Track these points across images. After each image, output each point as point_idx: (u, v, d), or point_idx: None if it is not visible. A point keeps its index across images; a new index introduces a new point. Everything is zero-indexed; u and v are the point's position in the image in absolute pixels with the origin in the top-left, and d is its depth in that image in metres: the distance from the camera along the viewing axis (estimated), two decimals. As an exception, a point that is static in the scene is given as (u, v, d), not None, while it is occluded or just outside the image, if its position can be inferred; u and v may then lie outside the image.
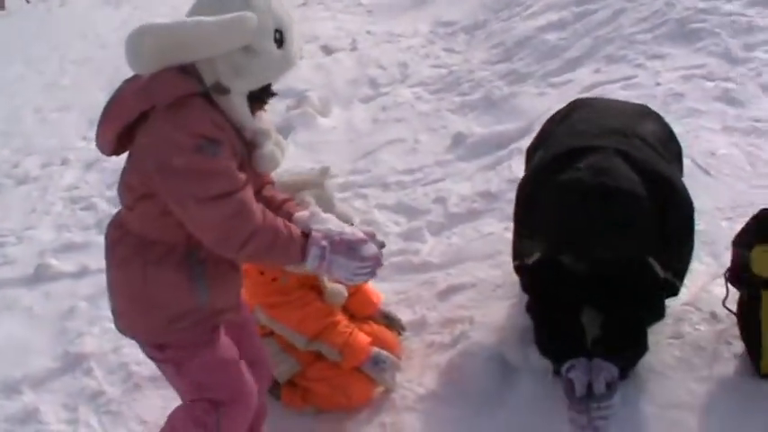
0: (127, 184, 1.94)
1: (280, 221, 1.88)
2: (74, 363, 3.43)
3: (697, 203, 2.45)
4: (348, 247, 1.91)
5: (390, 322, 2.91)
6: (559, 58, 4.74)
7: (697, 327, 2.58)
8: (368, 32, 6.94)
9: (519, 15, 5.57)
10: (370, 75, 5.81)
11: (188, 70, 1.81)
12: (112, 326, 3.22)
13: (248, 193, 1.84)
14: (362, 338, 2.66)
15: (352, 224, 2.17)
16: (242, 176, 1.83)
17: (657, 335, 2.54)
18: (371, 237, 1.97)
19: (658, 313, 2.51)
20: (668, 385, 2.43)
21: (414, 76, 5.49)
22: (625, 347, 2.44)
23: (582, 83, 4.36)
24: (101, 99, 2.29)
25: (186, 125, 1.77)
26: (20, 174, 6.08)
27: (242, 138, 1.89)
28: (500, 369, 2.63)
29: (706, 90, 3.87)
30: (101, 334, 3.56)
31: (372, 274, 1.97)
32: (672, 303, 2.55)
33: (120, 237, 2.00)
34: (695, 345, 2.54)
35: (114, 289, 2.05)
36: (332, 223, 1.98)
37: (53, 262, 4.32)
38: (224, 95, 1.83)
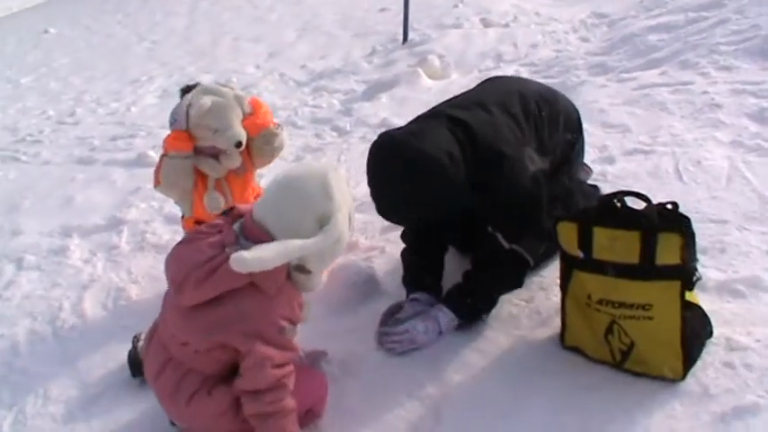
0: (213, 339, 2.14)
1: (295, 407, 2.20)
2: (115, 224, 4.18)
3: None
4: None
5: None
6: (646, 58, 4.74)
7: (550, 297, 2.73)
8: (536, 14, 7.08)
9: (652, 13, 5.52)
10: (500, 50, 6.04)
11: None
12: (156, 204, 4.01)
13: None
14: None
15: (240, 144, 2.90)
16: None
17: (513, 295, 2.76)
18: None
19: (511, 282, 2.68)
20: (488, 335, 2.66)
21: (530, 57, 5.66)
22: (466, 302, 2.66)
23: (640, 81, 4.40)
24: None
25: (277, 311, 2.11)
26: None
27: None
28: (370, 288, 2.97)
29: (743, 105, 3.79)
30: (145, 209, 4.26)
31: None
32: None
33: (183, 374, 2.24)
34: (535, 310, 2.71)
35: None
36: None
37: (151, 154, 5.13)
38: (305, 275, 2.16)
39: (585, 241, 2.30)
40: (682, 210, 2.77)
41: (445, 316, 2.61)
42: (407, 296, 2.76)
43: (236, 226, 2.17)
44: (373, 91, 5.64)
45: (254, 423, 2.17)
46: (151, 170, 4.73)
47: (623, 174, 3.44)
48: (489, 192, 2.49)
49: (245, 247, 2.02)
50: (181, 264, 2.14)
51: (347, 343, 2.74)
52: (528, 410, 2.28)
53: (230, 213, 2.24)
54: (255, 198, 3.20)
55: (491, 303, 2.66)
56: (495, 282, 2.65)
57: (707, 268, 2.71)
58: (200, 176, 3.15)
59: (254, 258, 1.95)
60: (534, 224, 2.55)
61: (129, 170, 5.02)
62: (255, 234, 2.11)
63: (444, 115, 2.53)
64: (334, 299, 2.95)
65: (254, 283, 2.05)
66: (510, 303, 2.75)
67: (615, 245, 2.24)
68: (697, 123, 3.75)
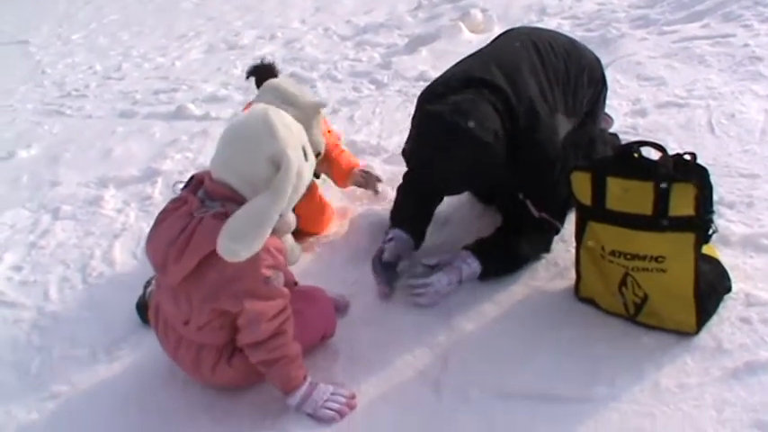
0: (208, 310, 2.17)
1: (299, 351, 2.22)
2: (150, 175, 4.26)
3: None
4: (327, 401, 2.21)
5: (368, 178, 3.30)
6: (689, 11, 4.59)
7: (569, 249, 2.69)
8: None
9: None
10: (545, 3, 5.89)
11: (242, 201, 2.06)
12: (191, 155, 4.07)
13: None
14: None
15: (319, 154, 2.73)
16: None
17: None
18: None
19: (539, 247, 2.69)
20: (504, 284, 2.65)
21: (575, 9, 5.52)
22: (495, 256, 2.65)
23: (681, 34, 4.28)
24: None
25: (257, 263, 2.06)
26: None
27: None
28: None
29: (786, 58, 3.66)
30: (180, 160, 4.33)
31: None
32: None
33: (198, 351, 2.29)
34: (552, 261, 2.68)
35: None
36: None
37: (191, 107, 5.19)
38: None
39: (599, 191, 2.27)
40: (710, 163, 2.75)
41: (468, 267, 2.60)
42: (387, 231, 2.77)
43: (199, 193, 2.17)
44: (414, 45, 5.59)
45: (261, 369, 2.22)
46: (190, 123, 4.86)
47: (654, 127, 3.37)
48: (521, 161, 2.47)
49: (212, 208, 2.08)
50: (157, 245, 2.16)
51: (362, 290, 2.77)
52: (536, 360, 2.27)
53: (190, 184, 2.24)
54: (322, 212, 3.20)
55: (517, 265, 2.66)
56: (524, 246, 2.64)
57: (733, 222, 2.66)
58: None
59: (242, 247, 1.97)
60: (562, 191, 2.50)
61: (168, 123, 5.09)
62: (218, 193, 2.11)
63: (482, 83, 2.48)
64: (351, 246, 3.00)
65: None
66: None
67: (628, 195, 2.20)
68: (735, 76, 3.64)
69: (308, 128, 2.62)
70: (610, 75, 3.71)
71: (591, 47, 4.37)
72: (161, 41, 8.11)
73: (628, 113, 3.53)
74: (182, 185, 2.34)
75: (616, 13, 5.02)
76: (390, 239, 2.70)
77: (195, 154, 4.25)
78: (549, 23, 5.31)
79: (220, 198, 2.11)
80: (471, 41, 5.41)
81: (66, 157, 4.84)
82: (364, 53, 5.80)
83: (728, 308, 2.30)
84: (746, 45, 3.89)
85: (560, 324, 2.39)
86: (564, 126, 2.53)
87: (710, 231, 2.21)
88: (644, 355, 2.21)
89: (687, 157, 2.23)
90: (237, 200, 2.08)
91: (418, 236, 2.76)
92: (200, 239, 2.07)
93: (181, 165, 4.26)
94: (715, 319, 2.27)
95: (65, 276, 3.37)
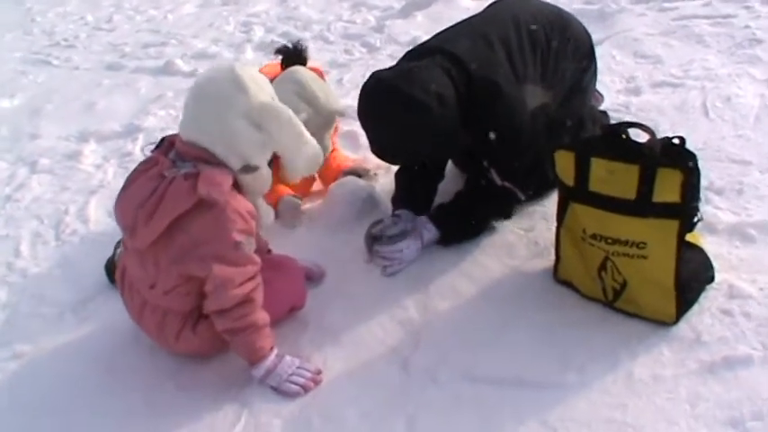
0: (175, 275, 2.12)
1: (267, 320, 2.16)
2: (132, 131, 4.19)
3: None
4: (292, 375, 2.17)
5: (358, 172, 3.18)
6: (694, -14, 4.48)
7: (551, 228, 2.60)
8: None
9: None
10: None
11: (215, 161, 2.05)
12: (174, 112, 3.98)
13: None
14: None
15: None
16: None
17: (513, 223, 2.70)
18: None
19: (498, 215, 2.66)
20: (482, 261, 2.59)
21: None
22: (452, 221, 2.63)
23: (681, 12, 4.18)
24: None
25: (228, 227, 2.02)
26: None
27: None
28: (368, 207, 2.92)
29: (786, 41, 3.56)
30: (163, 117, 4.28)
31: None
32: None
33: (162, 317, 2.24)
34: (533, 240, 2.62)
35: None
36: None
37: (178, 62, 5.08)
38: (252, 173, 2.13)
39: (582, 172, 2.19)
40: (702, 147, 2.67)
41: (428, 233, 2.59)
42: (392, 214, 2.71)
43: (171, 154, 2.12)
44: (410, 8, 5.47)
45: (226, 338, 2.16)
46: (177, 79, 4.75)
47: (647, 106, 3.29)
48: (485, 129, 2.40)
49: (185, 168, 2.03)
50: (126, 207, 2.11)
51: (339, 261, 2.71)
52: (508, 343, 2.22)
53: (161, 145, 2.19)
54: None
55: (475, 230, 2.63)
56: (483, 212, 2.61)
57: (720, 209, 2.60)
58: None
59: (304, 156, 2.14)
60: (529, 161, 2.49)
61: (155, 78, 4.98)
62: (190, 153, 2.07)
63: (439, 51, 2.43)
64: (332, 216, 2.92)
65: (201, 203, 1.99)
66: (509, 231, 2.67)
67: (613, 177, 2.12)
68: (733, 58, 3.56)
69: (321, 132, 2.59)
70: (605, 50, 3.68)
71: (587, 20, 4.29)
72: (155, -8, 7.89)
73: (621, 91, 3.45)
74: (152, 147, 2.25)
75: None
76: (395, 215, 2.68)
77: (179, 111, 4.13)
78: (549, -4, 5.18)
79: (192, 159, 2.06)
80: (469, 8, 5.25)
81: (49, 108, 4.73)
82: (359, 15, 5.69)
83: (710, 298, 2.24)
84: (747, 27, 3.80)
85: (536, 306, 2.34)
86: (536, 96, 2.47)
87: (696, 219, 2.13)
88: (619, 343, 2.15)
89: (676, 140, 2.13)
90: (209, 159, 2.05)
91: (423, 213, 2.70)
92: (171, 201, 2.02)
93: (164, 121, 4.18)
94: (695, 309, 2.21)
95: (37, 232, 3.30)
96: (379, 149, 2.42)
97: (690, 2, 4.31)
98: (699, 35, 3.85)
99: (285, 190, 3.00)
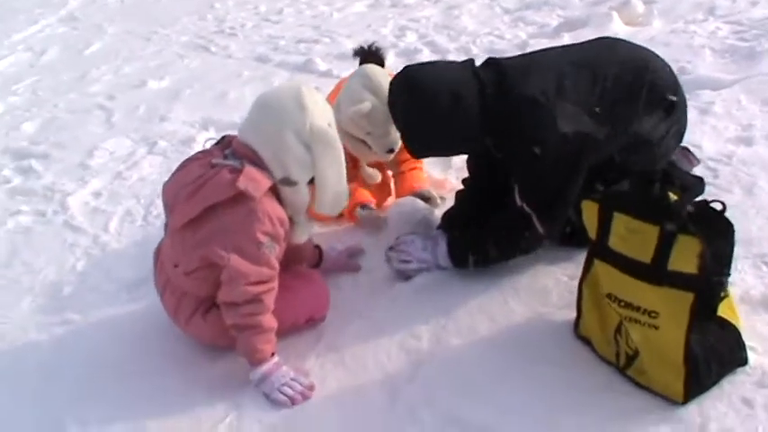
0: (198, 257, 2.22)
1: (273, 326, 2.24)
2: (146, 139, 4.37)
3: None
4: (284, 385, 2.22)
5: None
6: None
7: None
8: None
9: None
10: (717, 3, 5.41)
11: (261, 165, 2.18)
12: (192, 118, 4.26)
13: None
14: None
15: (392, 150, 2.82)
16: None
17: (559, 268, 2.59)
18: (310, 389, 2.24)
19: (509, 242, 2.52)
20: (509, 303, 2.49)
21: (743, 14, 4.97)
22: (460, 234, 2.61)
23: None
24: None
25: (256, 224, 2.13)
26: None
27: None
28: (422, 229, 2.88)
29: None
30: (178, 126, 4.48)
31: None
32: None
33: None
34: (570, 288, 2.47)
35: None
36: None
37: (317, 61, 5.22)
38: (291, 187, 2.24)
39: (604, 226, 2.05)
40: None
41: (443, 245, 2.59)
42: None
43: (227, 150, 2.27)
44: (562, 28, 5.32)
45: (232, 333, 2.24)
46: (310, 77, 4.89)
47: (752, 159, 3.01)
48: (509, 139, 2.34)
49: (234, 162, 2.19)
50: (173, 186, 2.28)
51: (372, 280, 2.73)
52: (505, 394, 2.12)
53: (221, 142, 2.35)
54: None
55: (484, 257, 2.53)
56: (495, 236, 2.51)
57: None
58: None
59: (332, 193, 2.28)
60: (553, 188, 2.36)
61: (291, 74, 5.14)
62: (241, 152, 2.21)
63: (488, 59, 2.47)
64: (383, 232, 2.92)
65: (237, 197, 2.11)
66: (550, 275, 2.54)
67: (632, 237, 1.98)
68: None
69: (387, 125, 2.63)
70: (732, 93, 3.45)
71: (732, 58, 4.06)
72: (331, -13, 8.11)
73: (731, 139, 3.17)
74: (213, 142, 2.42)
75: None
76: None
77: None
78: (707, 26, 4.86)
79: (241, 156, 2.19)
80: (618, 33, 5.03)
81: (187, 93, 5.01)
82: (514, 30, 5.58)
83: (736, 383, 2.03)
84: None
85: (547, 360, 2.21)
86: (577, 121, 2.32)
87: (721, 295, 1.93)
88: (616, 416, 2.00)
89: (718, 205, 1.95)
90: (256, 161, 2.18)
91: None
92: (212, 188, 2.16)
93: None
94: (715, 392, 2.00)
95: (130, 210, 3.52)
96: (403, 137, 2.51)
97: None
98: None
99: (364, 197, 3.05)
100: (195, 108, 4.69)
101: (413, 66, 2.47)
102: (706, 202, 1.98)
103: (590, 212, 2.09)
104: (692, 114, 3.29)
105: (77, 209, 3.59)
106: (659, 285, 1.93)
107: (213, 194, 2.13)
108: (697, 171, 2.87)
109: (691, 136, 3.15)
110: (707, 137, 3.24)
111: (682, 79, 3.81)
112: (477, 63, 2.48)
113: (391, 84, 2.45)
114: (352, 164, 3.04)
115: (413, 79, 2.37)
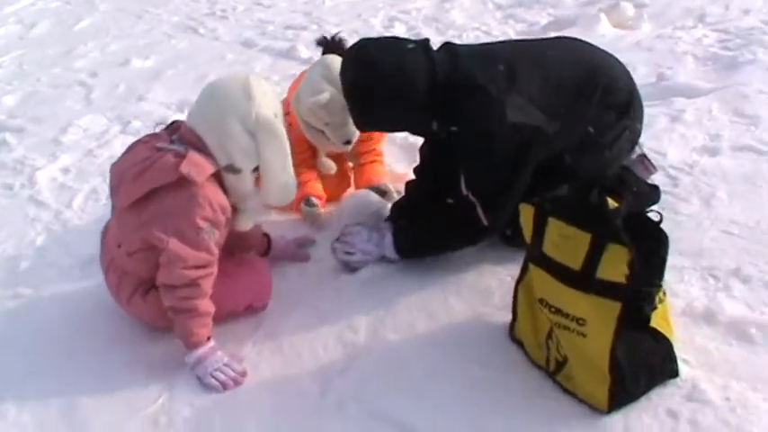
0: (139, 239, 2.25)
1: (210, 310, 2.26)
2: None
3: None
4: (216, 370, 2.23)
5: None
6: None
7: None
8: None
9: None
10: (708, 10, 5.31)
11: (205, 151, 2.20)
12: (170, 99, 4.27)
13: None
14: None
15: (349, 142, 2.87)
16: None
17: (504, 268, 2.57)
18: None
19: (455, 232, 2.53)
20: (450, 302, 2.49)
21: (732, 23, 4.88)
22: (407, 222, 2.63)
23: None
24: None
25: (196, 209, 2.16)
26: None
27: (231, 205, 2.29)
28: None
29: None
30: (155, 106, 4.48)
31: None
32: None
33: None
34: (511, 290, 2.45)
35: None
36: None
37: (301, 48, 5.20)
38: (236, 174, 2.27)
39: (539, 231, 2.04)
40: (753, 227, 2.61)
41: (388, 232, 2.59)
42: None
43: (174, 135, 2.29)
44: (550, 27, 5.28)
45: (170, 315, 2.27)
46: (292, 64, 4.86)
47: (714, 170, 2.99)
48: (456, 126, 2.35)
49: (179, 147, 2.21)
50: (120, 167, 2.31)
51: (319, 271, 2.74)
52: (433, 393, 2.12)
53: (170, 127, 2.37)
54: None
55: (429, 247, 2.56)
56: (440, 226, 2.53)
57: (733, 299, 2.34)
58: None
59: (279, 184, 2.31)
60: (500, 180, 2.36)
61: (274, 60, 5.12)
62: (187, 138, 2.24)
63: (445, 44, 2.50)
64: (335, 225, 2.89)
65: (180, 182, 2.14)
66: (495, 276, 2.53)
67: (565, 243, 1.97)
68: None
69: (344, 114, 2.62)
70: (706, 102, 3.45)
71: (714, 67, 4.04)
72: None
73: (696, 149, 3.16)
74: (163, 126, 2.44)
75: (766, 36, 4.46)
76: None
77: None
78: (695, 33, 4.83)
79: (188, 142, 2.22)
80: (605, 35, 5.01)
81: (169, 74, 5.00)
82: (504, 27, 5.56)
83: (665, 395, 2.01)
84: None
85: (481, 361, 2.20)
86: (527, 114, 2.32)
87: (650, 306, 1.92)
88: (542, 421, 1.99)
89: (656, 216, 1.94)
90: (201, 148, 2.21)
91: None
92: (156, 171, 2.19)
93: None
94: (643, 402, 1.99)
95: (95, 189, 3.51)
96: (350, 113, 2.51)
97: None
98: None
99: (314, 190, 3.02)
100: (175, 89, 4.68)
101: (366, 39, 2.50)
102: (644, 213, 1.96)
103: (526, 216, 2.09)
104: (662, 121, 3.31)
105: (44, 184, 3.60)
106: (587, 293, 1.92)
107: (157, 177, 2.16)
108: (657, 179, 2.87)
109: (658, 143, 3.17)
110: (674, 144, 3.21)
111: (660, 85, 3.88)
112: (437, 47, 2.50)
113: (343, 56, 2.46)
114: (311, 154, 3.03)
115: (362, 52, 2.39)
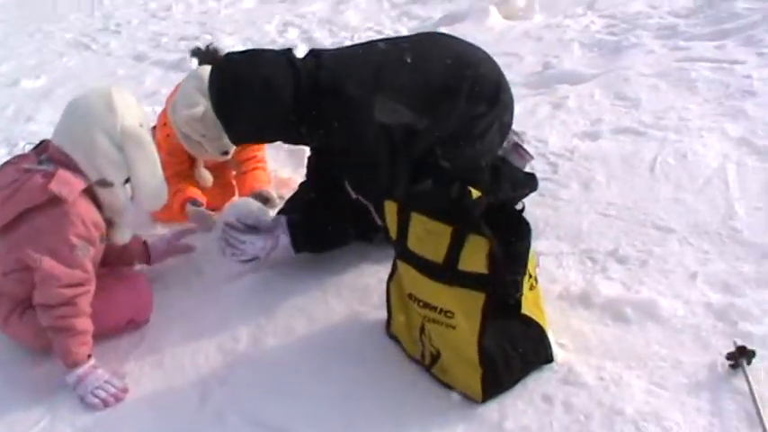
0: (13, 259, 2.23)
1: (88, 329, 2.23)
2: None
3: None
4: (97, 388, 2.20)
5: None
6: (716, 27, 4.13)
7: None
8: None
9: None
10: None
11: (75, 169, 2.19)
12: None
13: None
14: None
15: (227, 153, 2.88)
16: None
17: (383, 267, 2.50)
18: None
19: (354, 232, 2.55)
20: (330, 302, 2.49)
21: (620, 8, 5.00)
22: (304, 227, 2.60)
23: (690, 53, 3.86)
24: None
25: (68, 227, 2.15)
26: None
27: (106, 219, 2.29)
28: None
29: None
30: (44, 126, 4.25)
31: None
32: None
33: None
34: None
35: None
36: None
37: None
38: (108, 188, 2.25)
39: (403, 227, 2.02)
40: (630, 207, 2.63)
41: (285, 238, 2.55)
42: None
43: (43, 155, 2.28)
44: (444, 21, 5.36)
45: (48, 335, 2.22)
46: (184, 75, 4.77)
47: (594, 154, 3.04)
48: (323, 130, 2.35)
49: (47, 167, 2.20)
50: None
51: (200, 282, 2.71)
52: (313, 395, 2.11)
53: (39, 147, 2.34)
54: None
55: (325, 245, 2.58)
56: (338, 224, 2.56)
57: (610, 280, 2.37)
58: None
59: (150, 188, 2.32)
60: (380, 180, 2.35)
61: (165, 72, 5.06)
62: (56, 157, 2.22)
63: (311, 50, 2.49)
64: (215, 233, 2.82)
65: (51, 201, 2.12)
66: (374, 275, 2.52)
67: (428, 237, 1.96)
68: (715, 110, 3.23)
69: (219, 126, 2.53)
70: (589, 88, 3.46)
71: (600, 52, 4.10)
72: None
73: (577, 134, 3.20)
74: (33, 147, 2.41)
75: (650, 20, 4.57)
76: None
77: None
78: (583, 20, 4.92)
79: (56, 161, 2.21)
80: (494, 28, 5.08)
81: (59, 93, 4.90)
82: (397, 24, 5.59)
83: (541, 380, 2.02)
84: (748, 77, 3.43)
85: (359, 360, 2.20)
86: (396, 113, 2.32)
87: (516, 294, 1.93)
88: (420, 414, 1.98)
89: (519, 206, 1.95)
90: (70, 165, 2.20)
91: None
92: (25, 193, 2.16)
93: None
94: (518, 389, 2.00)
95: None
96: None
97: (707, 42, 3.96)
98: (692, 80, 3.52)
99: (194, 193, 3.00)
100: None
101: (231, 53, 2.50)
102: (504, 202, 1.96)
103: (390, 212, 2.07)
104: (545, 109, 3.35)
105: None
106: (451, 286, 1.92)
107: (26, 199, 2.15)
108: (538, 166, 2.89)
109: (540, 131, 3.21)
110: (555, 131, 3.26)
111: (545, 74, 3.93)
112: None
113: (210, 72, 2.42)
114: (190, 165, 2.98)
115: (227, 66, 2.37)
